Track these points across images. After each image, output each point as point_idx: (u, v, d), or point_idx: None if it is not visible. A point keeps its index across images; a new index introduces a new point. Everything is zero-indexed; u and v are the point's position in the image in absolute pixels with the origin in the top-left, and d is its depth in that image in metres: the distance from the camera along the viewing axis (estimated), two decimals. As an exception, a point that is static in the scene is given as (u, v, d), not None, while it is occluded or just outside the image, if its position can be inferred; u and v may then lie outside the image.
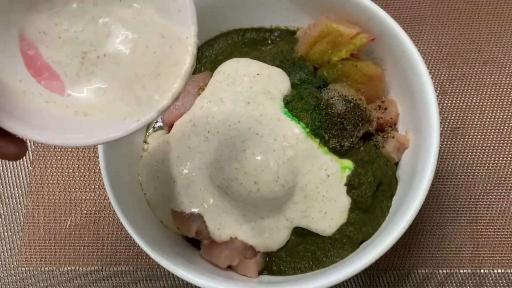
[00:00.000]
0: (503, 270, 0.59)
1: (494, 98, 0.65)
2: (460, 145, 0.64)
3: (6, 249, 0.66)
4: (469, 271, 0.59)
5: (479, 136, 0.64)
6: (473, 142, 0.64)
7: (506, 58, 0.65)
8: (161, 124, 0.60)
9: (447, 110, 0.65)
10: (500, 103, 0.65)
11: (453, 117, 0.65)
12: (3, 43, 0.37)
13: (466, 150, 0.64)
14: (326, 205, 0.53)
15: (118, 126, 0.40)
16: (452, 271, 0.59)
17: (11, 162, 0.68)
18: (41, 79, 0.40)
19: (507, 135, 0.63)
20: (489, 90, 0.65)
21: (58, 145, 0.40)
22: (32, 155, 0.69)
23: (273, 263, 0.55)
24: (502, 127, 0.64)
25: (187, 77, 0.40)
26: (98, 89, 0.42)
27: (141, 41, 0.42)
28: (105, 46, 0.42)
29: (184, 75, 0.40)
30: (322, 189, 0.53)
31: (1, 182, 0.68)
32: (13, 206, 0.67)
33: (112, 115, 0.41)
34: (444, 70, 0.66)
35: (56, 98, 0.41)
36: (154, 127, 0.61)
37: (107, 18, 0.42)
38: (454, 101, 0.65)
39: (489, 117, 0.64)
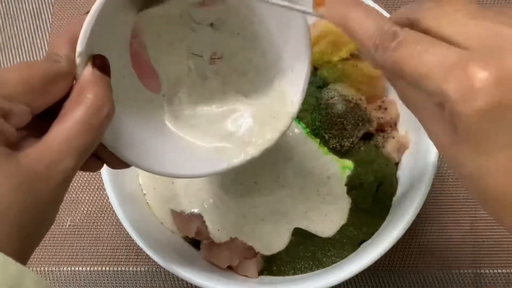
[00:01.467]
0: (503, 270, 0.59)
1: (494, 98, 0.64)
2: (460, 145, 0.63)
3: (6, 249, 0.66)
4: (469, 271, 0.59)
5: (479, 136, 0.64)
6: (473, 142, 0.64)
7: (506, 58, 0.65)
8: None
9: (447, 110, 0.65)
10: (500, 103, 0.64)
11: (453, 117, 0.64)
12: (118, 39, 0.35)
13: (466, 150, 0.63)
14: (326, 207, 0.53)
15: (207, 162, 0.39)
16: (452, 271, 0.59)
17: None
18: (141, 77, 0.38)
19: (507, 135, 0.63)
20: (489, 90, 0.65)
21: (140, 168, 0.38)
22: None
23: (273, 263, 0.55)
24: (502, 127, 0.64)
25: (281, 135, 0.39)
26: (192, 100, 0.40)
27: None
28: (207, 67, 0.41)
29: (280, 133, 0.39)
30: (323, 192, 0.53)
31: (1, 182, 0.68)
32: (12, 206, 0.67)
33: (200, 137, 0.40)
34: (444, 70, 0.66)
35: (153, 97, 0.39)
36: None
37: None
38: (454, 101, 0.65)
39: (489, 117, 0.64)
